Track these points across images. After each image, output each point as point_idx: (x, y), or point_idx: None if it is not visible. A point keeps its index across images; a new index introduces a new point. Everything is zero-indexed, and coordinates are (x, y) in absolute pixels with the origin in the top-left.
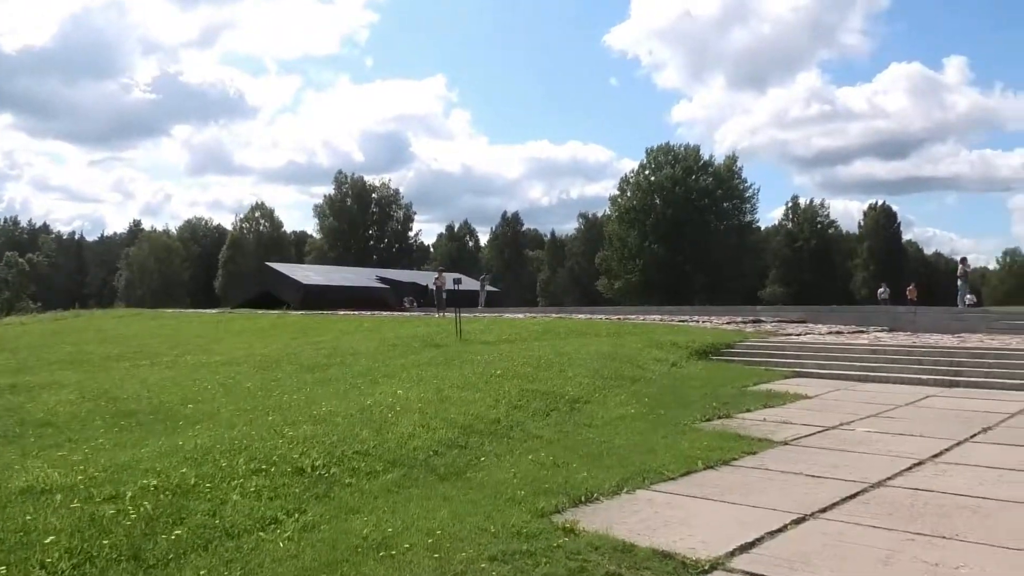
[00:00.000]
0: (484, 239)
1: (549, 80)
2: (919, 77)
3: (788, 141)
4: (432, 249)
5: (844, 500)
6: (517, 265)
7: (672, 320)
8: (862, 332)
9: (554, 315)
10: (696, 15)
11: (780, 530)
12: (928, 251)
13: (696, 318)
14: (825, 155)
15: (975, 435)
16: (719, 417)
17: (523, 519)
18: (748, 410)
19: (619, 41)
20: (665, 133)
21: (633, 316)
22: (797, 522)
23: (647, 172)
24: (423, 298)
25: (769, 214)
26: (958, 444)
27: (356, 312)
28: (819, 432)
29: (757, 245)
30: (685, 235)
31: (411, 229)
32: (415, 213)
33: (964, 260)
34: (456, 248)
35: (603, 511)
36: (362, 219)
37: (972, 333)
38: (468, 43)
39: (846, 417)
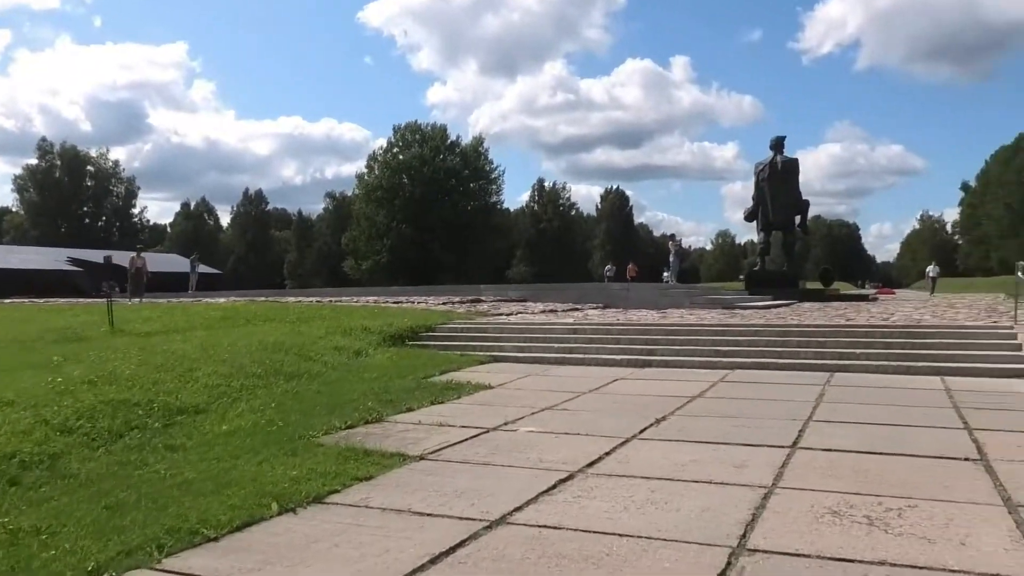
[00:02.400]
0: (228, 219)
1: (301, 54)
2: (651, 73)
3: (537, 128)
4: (169, 229)
5: (437, 558)
6: (262, 246)
7: (387, 301)
8: (577, 310)
9: (262, 299)
10: None
11: None
12: (657, 233)
13: (414, 299)
14: (570, 142)
15: (646, 428)
16: (366, 422)
17: None
18: (410, 409)
19: (374, 19)
20: (421, 114)
21: (348, 298)
22: None
23: (395, 150)
24: (126, 282)
25: (520, 197)
26: (624, 443)
27: (28, 300)
28: (475, 437)
29: (505, 226)
30: (433, 215)
31: (134, 206)
32: (139, 188)
33: (673, 237)
34: (193, 228)
35: None
36: (75, 194)
37: (677, 308)
38: (212, 9)
39: (518, 412)
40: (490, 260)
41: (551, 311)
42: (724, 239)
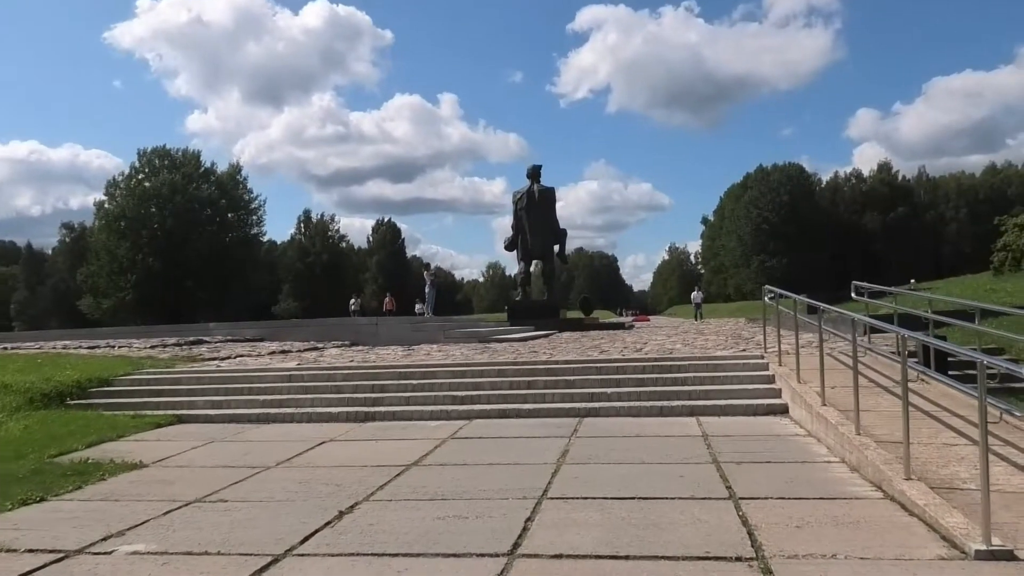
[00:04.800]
0: None
1: (36, 72)
2: (420, 108)
3: (306, 159)
4: None
5: None
6: None
7: (81, 345)
8: (316, 349)
9: None
10: (208, 22)
11: None
12: (432, 266)
13: (120, 341)
14: (341, 175)
15: (316, 533)
16: None
17: None
18: None
19: (123, 40)
20: (180, 143)
21: (32, 343)
22: None
23: (140, 177)
24: None
25: (290, 230)
26: (268, 566)
27: None
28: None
29: (269, 259)
30: (187, 248)
31: None
32: None
33: (428, 266)
34: None
35: None
36: None
37: (430, 344)
38: None
39: (147, 512)
40: (253, 295)
41: (283, 352)
42: (494, 271)
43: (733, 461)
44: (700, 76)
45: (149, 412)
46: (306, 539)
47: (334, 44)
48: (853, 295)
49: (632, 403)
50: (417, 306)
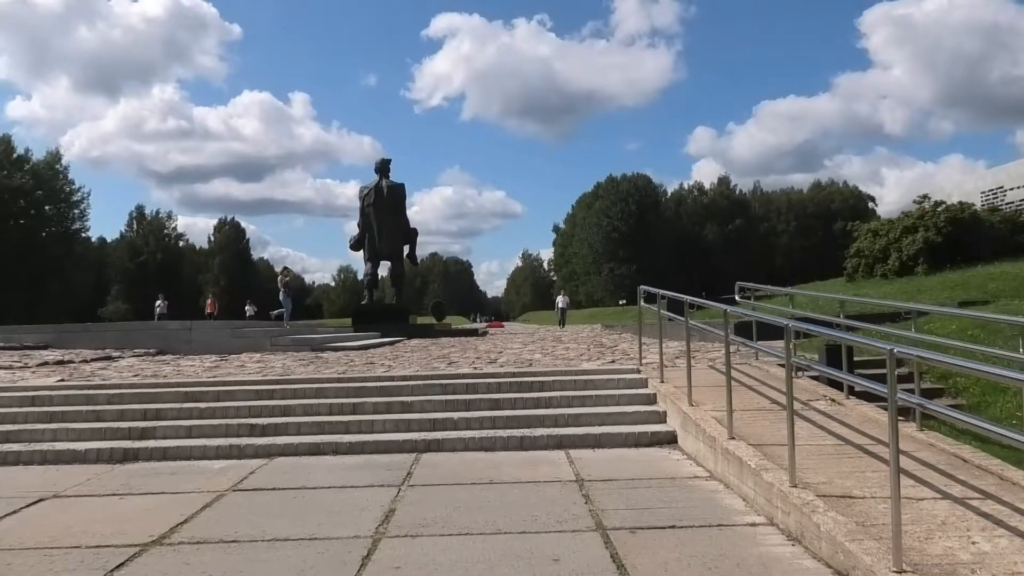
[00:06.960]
0: None
1: None
2: (270, 106)
3: (145, 154)
4: None
5: None
6: None
7: None
8: (110, 359)
9: None
10: (33, 3)
11: None
12: (280, 268)
13: None
14: (184, 172)
15: None
16: None
17: None
18: None
19: None
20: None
21: None
22: None
23: None
24: None
25: (121, 227)
26: None
27: None
28: None
29: (94, 258)
30: None
31: None
32: None
33: (286, 271)
34: None
35: None
36: None
37: (253, 352)
38: None
39: None
40: (75, 297)
41: (61, 363)
42: (346, 274)
43: (625, 527)
44: (551, 88)
45: None
46: None
47: (177, 35)
48: (737, 297)
49: (485, 432)
50: (248, 309)
